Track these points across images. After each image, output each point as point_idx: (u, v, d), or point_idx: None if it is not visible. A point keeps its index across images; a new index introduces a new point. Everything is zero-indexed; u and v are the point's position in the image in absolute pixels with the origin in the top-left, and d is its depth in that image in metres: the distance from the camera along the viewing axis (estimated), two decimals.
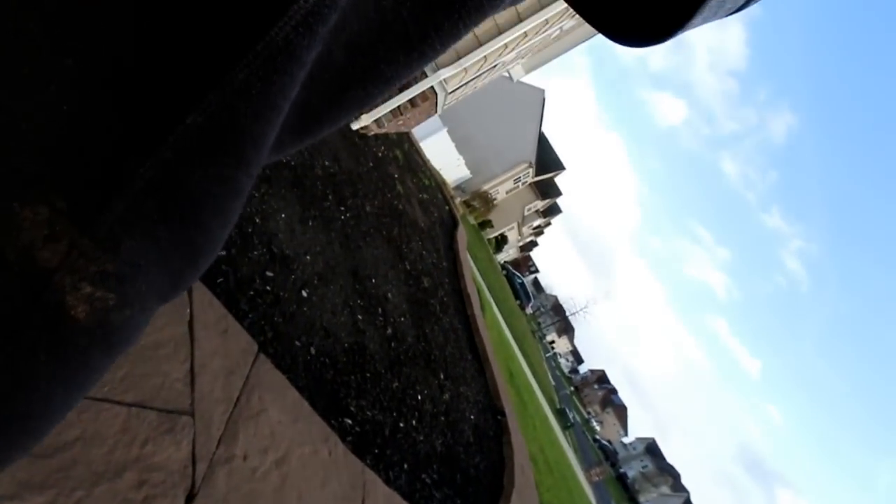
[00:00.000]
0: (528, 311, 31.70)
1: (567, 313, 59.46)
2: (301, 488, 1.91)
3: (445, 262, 7.22)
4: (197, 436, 1.54)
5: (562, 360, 67.27)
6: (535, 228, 41.67)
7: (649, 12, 0.27)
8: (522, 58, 11.05)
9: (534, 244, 52.35)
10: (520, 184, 25.47)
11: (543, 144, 25.65)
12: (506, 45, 5.98)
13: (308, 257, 3.04)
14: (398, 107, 5.86)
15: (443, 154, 15.29)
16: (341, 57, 0.30)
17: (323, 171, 4.15)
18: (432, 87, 5.87)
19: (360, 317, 3.32)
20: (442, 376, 4.28)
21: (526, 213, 30.43)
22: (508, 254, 36.24)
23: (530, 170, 23.75)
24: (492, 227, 24.73)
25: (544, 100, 23.83)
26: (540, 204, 30.97)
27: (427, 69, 5.52)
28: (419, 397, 3.58)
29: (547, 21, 6.04)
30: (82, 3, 0.25)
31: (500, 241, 27.68)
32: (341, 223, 3.95)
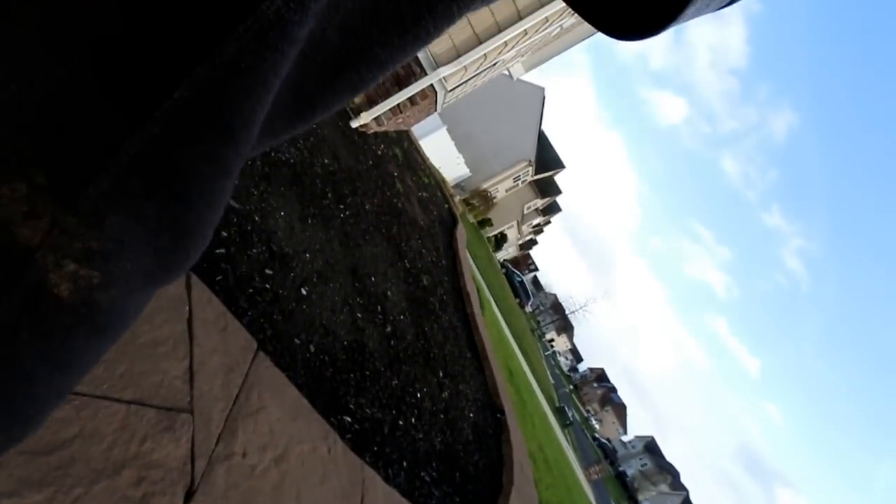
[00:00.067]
0: (528, 309, 31.71)
1: (566, 312, 59.46)
2: (300, 485, 1.91)
3: (445, 261, 7.22)
4: (196, 433, 1.54)
5: (561, 359, 67.28)
6: (534, 227, 41.67)
7: (641, 4, 0.27)
8: (522, 56, 11.04)
9: (533, 242, 52.32)
10: (519, 182, 25.48)
11: (543, 143, 25.66)
12: (506, 43, 5.97)
13: (307, 255, 3.04)
14: (398, 105, 5.85)
15: (442, 152, 15.30)
16: (334, 38, 0.30)
17: (322, 169, 4.14)
18: (432, 85, 5.86)
19: (359, 315, 3.32)
20: (441, 374, 4.28)
21: (525, 212, 30.45)
22: (508, 252, 36.24)
23: (530, 168, 23.76)
24: (491, 225, 24.74)
25: (544, 98, 23.83)
26: (539, 202, 30.99)
27: (427, 67, 5.51)
28: (418, 395, 3.58)
29: (547, 19, 6.03)
30: None
31: (500, 240, 27.68)
32: (341, 221, 3.95)
